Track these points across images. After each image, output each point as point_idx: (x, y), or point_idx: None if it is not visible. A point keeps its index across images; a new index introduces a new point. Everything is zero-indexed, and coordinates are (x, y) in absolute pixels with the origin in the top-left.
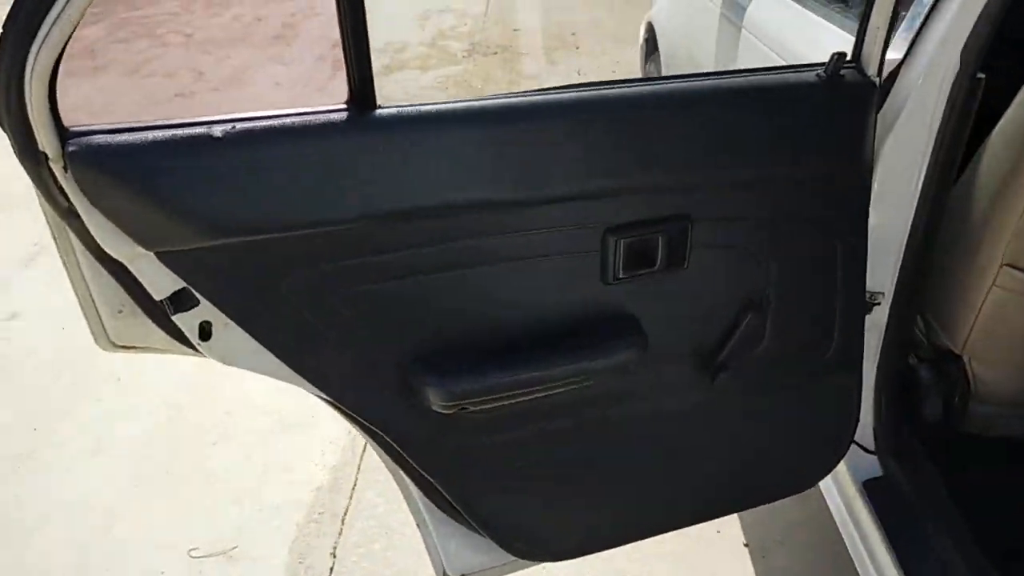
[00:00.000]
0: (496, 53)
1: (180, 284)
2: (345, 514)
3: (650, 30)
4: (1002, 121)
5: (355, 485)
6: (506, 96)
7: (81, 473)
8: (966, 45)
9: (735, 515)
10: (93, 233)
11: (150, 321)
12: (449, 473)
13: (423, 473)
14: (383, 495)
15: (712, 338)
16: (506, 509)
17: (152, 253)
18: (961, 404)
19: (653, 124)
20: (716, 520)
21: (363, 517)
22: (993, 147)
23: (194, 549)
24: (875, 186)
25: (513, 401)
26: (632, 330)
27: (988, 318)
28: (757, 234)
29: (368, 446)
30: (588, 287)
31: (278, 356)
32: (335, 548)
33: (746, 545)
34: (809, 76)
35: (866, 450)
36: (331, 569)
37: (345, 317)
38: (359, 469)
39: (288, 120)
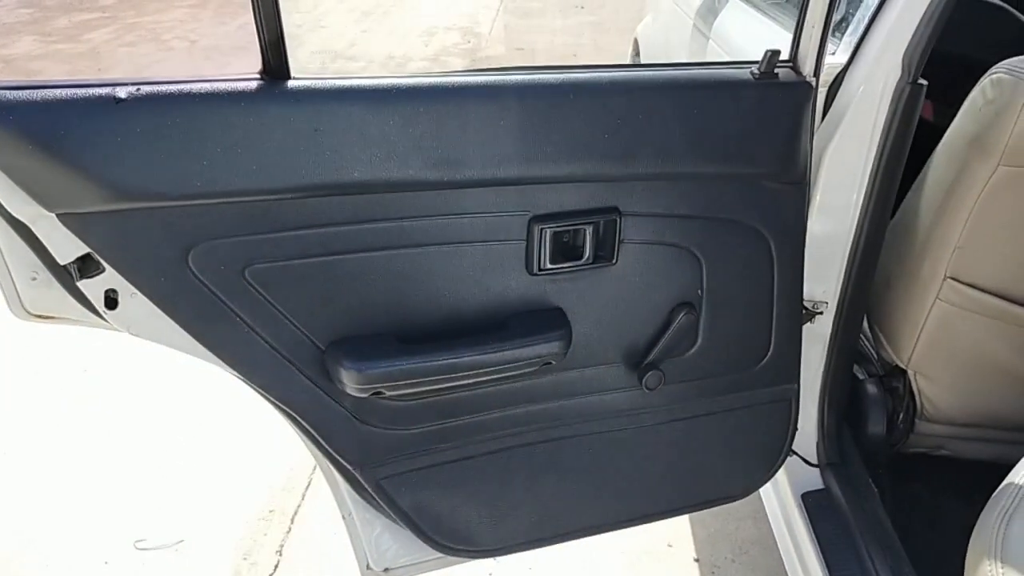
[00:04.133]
0: None
1: (84, 249)
2: (295, 513)
3: (636, 45)
4: (946, 135)
5: (309, 485)
6: (428, 75)
7: (33, 460)
8: (907, 50)
9: (688, 530)
10: None
11: (64, 290)
12: (369, 463)
13: (340, 461)
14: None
15: (642, 337)
16: (427, 501)
17: (53, 215)
18: (907, 421)
19: (580, 111)
20: (668, 534)
21: (313, 517)
22: (937, 160)
23: (140, 541)
24: (818, 193)
25: (434, 389)
26: (557, 323)
27: (932, 332)
28: (689, 233)
29: None
30: (513, 277)
31: (187, 331)
32: (281, 547)
33: (696, 560)
34: (743, 73)
35: (808, 463)
36: (275, 567)
37: (256, 295)
38: (314, 469)
39: (196, 86)
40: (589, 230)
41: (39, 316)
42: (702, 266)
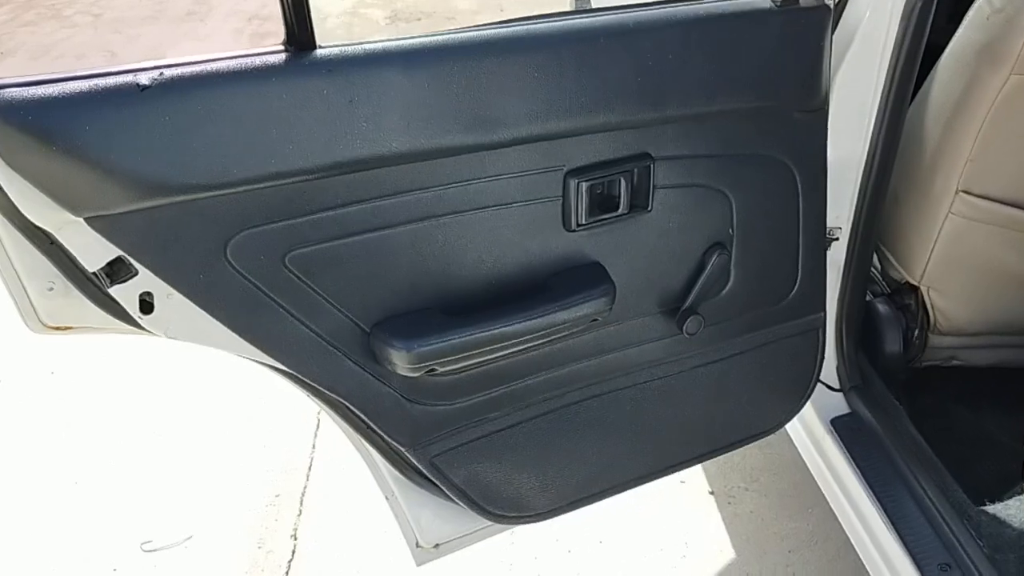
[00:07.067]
0: (420, 20)
1: (115, 253)
2: (303, 494)
3: None
4: (951, 45)
5: (311, 464)
6: (455, 32)
7: (26, 469)
8: None
9: (697, 466)
10: (14, 200)
11: (84, 298)
12: (419, 441)
13: (391, 443)
14: (341, 472)
15: (679, 283)
16: (480, 473)
17: (81, 219)
18: (920, 336)
19: (611, 56)
20: (679, 472)
21: (323, 496)
22: (941, 74)
23: (147, 542)
24: (830, 119)
25: (481, 361)
26: (600, 279)
27: (945, 247)
28: (718, 172)
29: (321, 424)
30: (551, 235)
31: (229, 327)
32: (295, 530)
33: (711, 493)
34: (764, 2)
35: (832, 388)
36: (293, 551)
37: (297, 281)
38: (314, 447)
39: (220, 64)
40: (623, 179)
41: (57, 328)
42: (732, 204)
